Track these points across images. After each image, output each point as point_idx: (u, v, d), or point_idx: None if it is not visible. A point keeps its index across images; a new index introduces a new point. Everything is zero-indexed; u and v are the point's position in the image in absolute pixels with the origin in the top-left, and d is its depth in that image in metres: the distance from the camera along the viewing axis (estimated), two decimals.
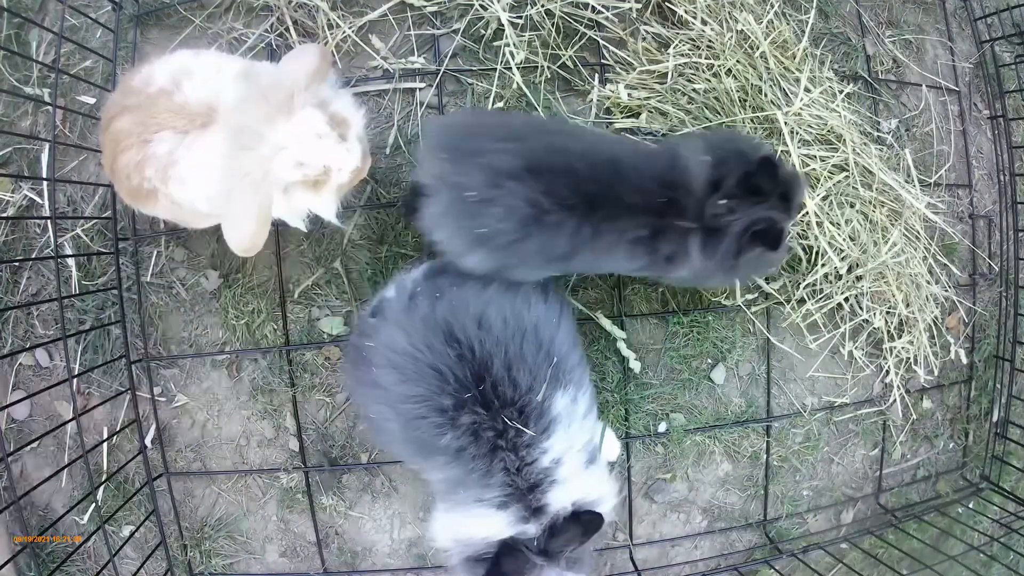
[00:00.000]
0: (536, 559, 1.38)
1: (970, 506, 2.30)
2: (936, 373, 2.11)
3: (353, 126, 1.38)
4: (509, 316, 1.39)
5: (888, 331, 2.07)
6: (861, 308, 2.03)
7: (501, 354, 1.36)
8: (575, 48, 1.92)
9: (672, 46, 1.92)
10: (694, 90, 1.91)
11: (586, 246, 1.37)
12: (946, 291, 2.11)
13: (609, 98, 1.93)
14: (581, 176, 1.34)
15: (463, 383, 1.35)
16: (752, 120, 1.91)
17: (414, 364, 1.36)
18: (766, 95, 1.91)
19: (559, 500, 1.41)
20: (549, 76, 1.94)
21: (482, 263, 1.41)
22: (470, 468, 1.38)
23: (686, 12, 1.91)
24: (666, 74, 1.92)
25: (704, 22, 1.90)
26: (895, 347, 2.08)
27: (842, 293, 1.99)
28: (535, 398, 1.37)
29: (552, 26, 1.89)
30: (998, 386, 2.32)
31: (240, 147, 1.29)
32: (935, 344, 2.11)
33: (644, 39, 1.94)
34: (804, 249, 1.96)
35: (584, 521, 1.39)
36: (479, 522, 1.41)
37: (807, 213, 1.91)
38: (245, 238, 1.32)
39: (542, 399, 1.38)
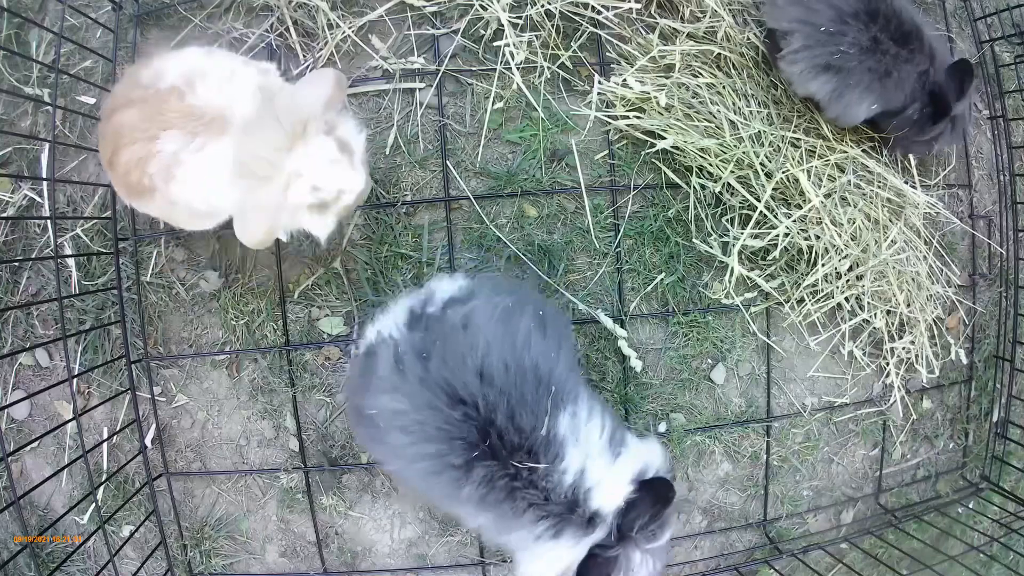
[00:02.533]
0: (613, 551, 1.35)
1: (970, 506, 2.30)
2: (936, 373, 2.11)
3: (357, 151, 1.41)
4: (510, 361, 1.35)
5: (889, 331, 2.07)
6: (861, 308, 2.03)
7: (504, 404, 1.32)
8: (576, 45, 1.92)
9: (678, 39, 1.92)
10: (698, 85, 1.91)
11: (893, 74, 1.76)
12: (946, 290, 2.11)
13: (614, 92, 1.92)
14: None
15: (470, 442, 1.32)
16: (757, 115, 1.91)
17: (421, 428, 1.33)
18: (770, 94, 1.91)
19: (605, 499, 1.39)
20: (549, 76, 1.94)
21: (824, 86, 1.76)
22: (499, 512, 1.36)
23: (691, 13, 1.92)
24: (672, 67, 1.91)
25: (714, 13, 1.90)
26: (895, 347, 2.07)
27: (842, 293, 1.99)
28: (540, 434, 1.34)
29: (552, 26, 1.89)
30: (998, 386, 2.32)
31: (256, 176, 1.32)
32: (935, 344, 2.11)
33: (654, 30, 1.94)
34: (805, 249, 1.96)
35: (652, 487, 1.37)
36: (552, 557, 1.39)
37: (810, 210, 1.91)
38: (253, 243, 1.38)
39: (546, 431, 1.35)
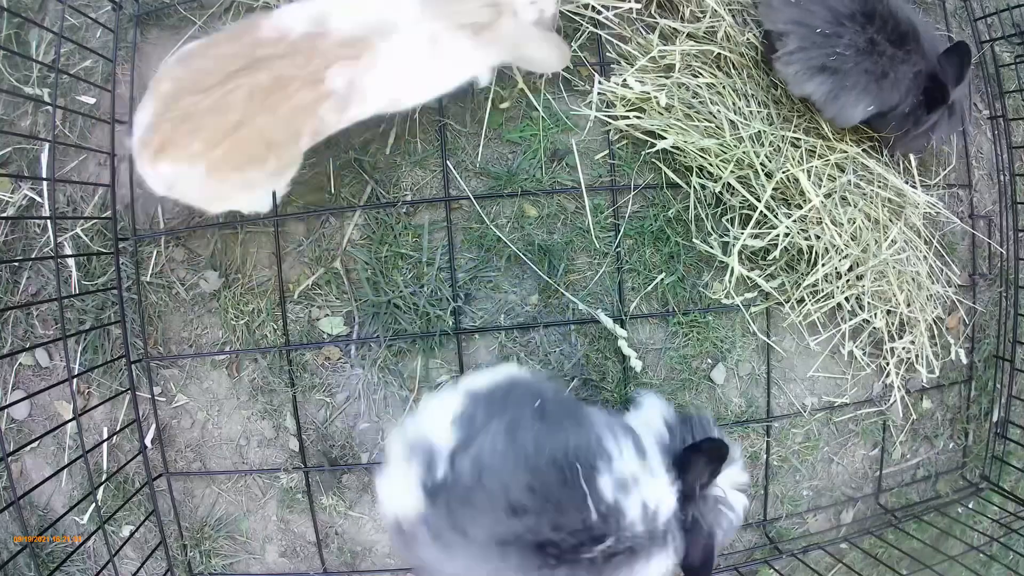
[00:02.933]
0: (681, 515, 1.41)
1: (970, 506, 2.30)
2: (936, 373, 2.11)
3: None
4: (532, 480, 1.31)
5: (888, 331, 2.07)
6: (861, 308, 2.03)
7: (546, 521, 1.30)
8: (576, 45, 1.92)
9: (678, 39, 1.92)
10: (698, 85, 1.91)
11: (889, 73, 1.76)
12: (946, 290, 2.11)
13: (614, 92, 1.92)
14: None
15: (538, 564, 1.31)
16: (757, 115, 1.91)
17: (486, 570, 1.34)
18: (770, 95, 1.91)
19: (665, 505, 1.41)
20: (550, 76, 1.94)
21: (819, 87, 1.76)
22: None
23: (691, 13, 1.92)
24: (672, 67, 1.91)
25: (714, 13, 1.90)
26: (895, 347, 2.07)
27: (842, 293, 1.99)
28: (592, 518, 1.31)
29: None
30: (998, 386, 2.32)
31: (480, 22, 1.45)
32: (935, 344, 2.11)
33: (654, 30, 1.94)
34: (805, 249, 1.96)
35: (703, 451, 1.43)
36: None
37: (810, 210, 1.91)
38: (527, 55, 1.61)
39: (595, 510, 1.32)
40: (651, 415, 1.62)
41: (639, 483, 1.38)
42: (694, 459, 1.43)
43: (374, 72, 1.44)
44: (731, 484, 1.53)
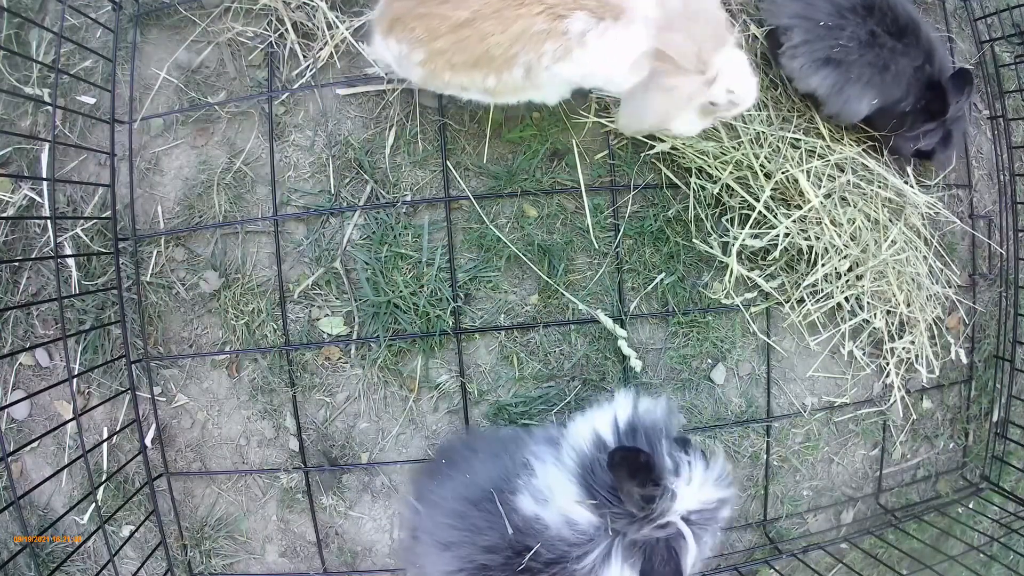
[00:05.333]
0: (658, 532, 1.34)
1: (970, 506, 2.30)
2: (936, 373, 2.11)
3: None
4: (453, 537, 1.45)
5: (889, 331, 2.07)
6: (861, 308, 2.03)
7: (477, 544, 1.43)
8: None
9: None
10: None
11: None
12: (946, 290, 2.11)
13: (611, 96, 1.92)
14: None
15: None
16: (756, 117, 1.91)
17: None
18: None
19: (562, 508, 1.41)
20: None
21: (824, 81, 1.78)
22: None
23: None
24: None
25: None
26: (895, 347, 2.07)
27: (842, 293, 1.99)
28: (510, 535, 1.39)
29: None
30: (998, 386, 2.32)
31: (680, 66, 1.42)
32: (935, 344, 2.11)
33: None
34: (805, 249, 1.95)
35: (615, 461, 1.33)
36: None
37: (810, 210, 1.91)
38: (641, 128, 1.60)
39: (512, 528, 1.40)
40: (599, 419, 1.55)
41: (555, 493, 1.42)
42: (615, 474, 1.33)
43: (605, 39, 1.39)
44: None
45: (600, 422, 1.53)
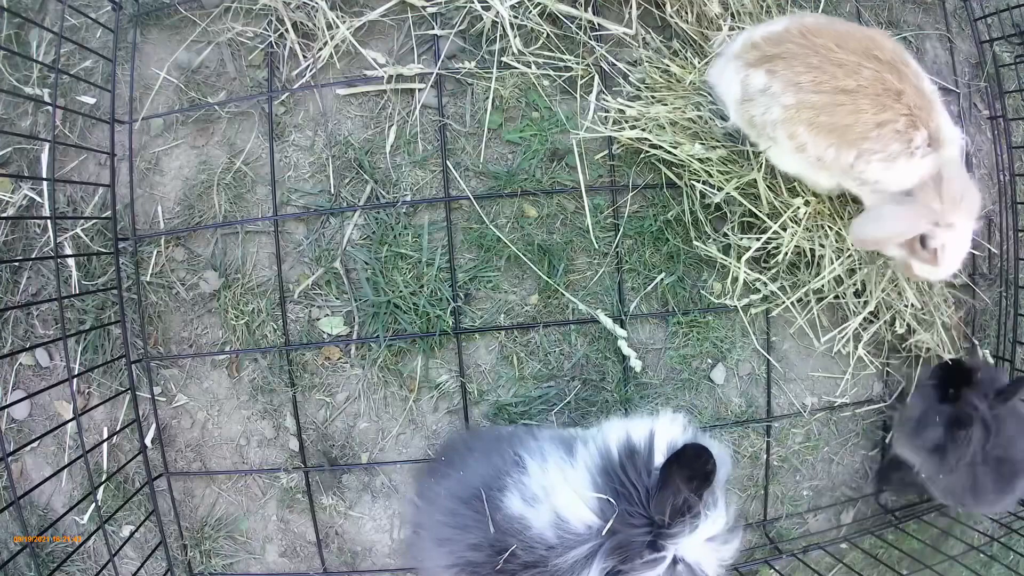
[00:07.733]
0: (646, 554, 1.26)
1: None
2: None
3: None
4: (448, 533, 1.49)
5: (889, 331, 2.06)
6: (862, 308, 2.03)
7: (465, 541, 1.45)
8: (575, 58, 1.93)
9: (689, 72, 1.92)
10: (699, 103, 1.91)
11: None
12: (946, 290, 2.10)
13: (615, 108, 1.92)
14: None
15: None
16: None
17: None
18: None
19: (557, 507, 1.38)
20: (553, 79, 1.94)
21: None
22: None
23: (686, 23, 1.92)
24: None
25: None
26: (896, 347, 2.07)
27: (843, 293, 1.98)
28: (492, 533, 1.41)
29: (551, 33, 1.89)
30: None
31: (930, 208, 1.51)
32: (937, 344, 2.11)
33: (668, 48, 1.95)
34: (807, 252, 1.95)
35: (680, 460, 1.22)
36: None
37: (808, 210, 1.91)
38: (868, 241, 1.66)
39: (495, 526, 1.41)
40: (636, 429, 1.48)
41: (551, 494, 1.39)
42: (673, 469, 1.23)
43: (924, 161, 1.49)
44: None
45: (638, 432, 1.45)
